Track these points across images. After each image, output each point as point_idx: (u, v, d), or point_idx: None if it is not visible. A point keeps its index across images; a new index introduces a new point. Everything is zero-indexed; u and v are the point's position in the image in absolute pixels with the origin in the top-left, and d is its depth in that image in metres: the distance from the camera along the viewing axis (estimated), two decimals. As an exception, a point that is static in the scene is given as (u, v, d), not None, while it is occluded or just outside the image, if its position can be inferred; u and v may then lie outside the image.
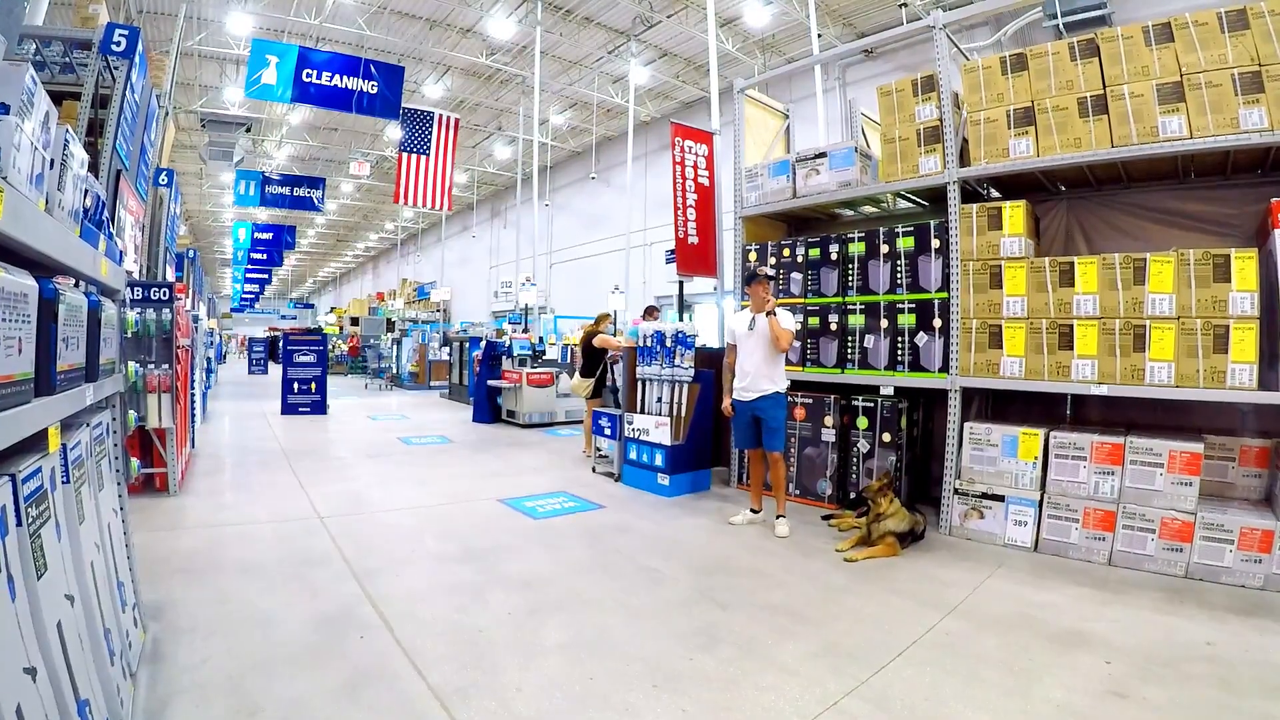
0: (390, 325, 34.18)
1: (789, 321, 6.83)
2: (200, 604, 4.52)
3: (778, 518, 6.72)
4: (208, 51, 21.03)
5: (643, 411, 8.76)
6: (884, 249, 7.30)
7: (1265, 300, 5.21)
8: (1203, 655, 4.05)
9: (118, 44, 6.33)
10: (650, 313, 11.93)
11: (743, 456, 8.37)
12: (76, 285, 2.84)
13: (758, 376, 6.79)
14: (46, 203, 2.18)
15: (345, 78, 14.92)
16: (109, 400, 3.48)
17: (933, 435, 7.79)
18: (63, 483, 2.42)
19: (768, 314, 6.70)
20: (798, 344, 7.76)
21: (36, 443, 2.14)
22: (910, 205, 8.39)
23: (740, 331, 6.94)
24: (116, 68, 6.56)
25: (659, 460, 8.23)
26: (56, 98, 6.36)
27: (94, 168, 5.92)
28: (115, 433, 3.63)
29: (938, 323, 6.86)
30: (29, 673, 1.84)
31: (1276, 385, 5.06)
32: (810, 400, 7.75)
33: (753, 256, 8.55)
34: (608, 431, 9.11)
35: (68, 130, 2.44)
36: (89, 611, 2.56)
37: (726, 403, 7.09)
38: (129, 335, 6.81)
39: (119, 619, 3.11)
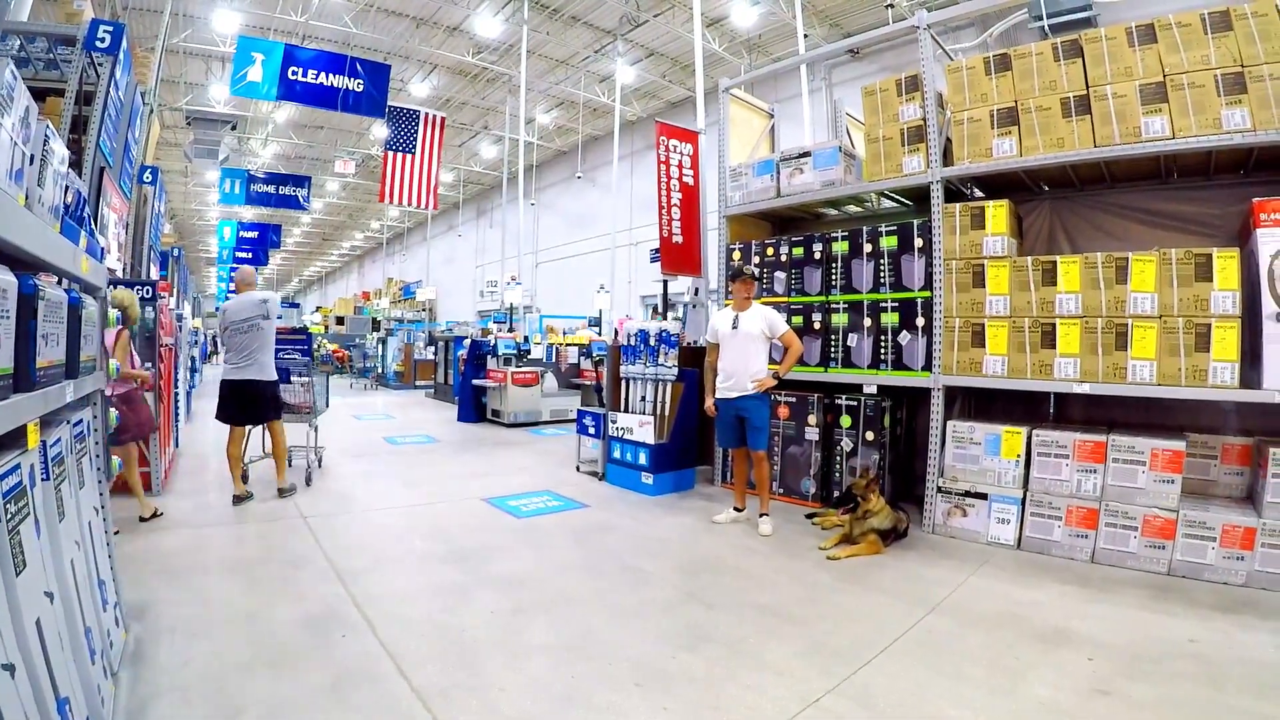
0: (376, 324, 34.02)
1: (781, 321, 6.90)
2: (183, 604, 4.50)
3: (761, 516, 6.73)
4: (193, 48, 20.94)
5: (627, 410, 8.76)
6: (867, 248, 7.32)
7: (1247, 299, 5.24)
8: (1187, 652, 4.07)
9: (102, 40, 6.30)
10: (655, 312, 11.95)
11: (726, 455, 8.37)
12: (59, 282, 2.82)
13: (741, 375, 6.78)
14: (26, 198, 2.17)
15: (331, 76, 14.85)
16: (90, 398, 3.46)
17: (916, 434, 7.80)
18: (42, 480, 2.40)
19: (782, 340, 6.81)
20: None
21: (15, 439, 2.13)
22: (894, 205, 8.42)
23: (724, 330, 6.93)
24: (101, 64, 6.53)
25: (643, 459, 8.24)
26: (40, 94, 6.32)
27: (77, 165, 5.91)
28: (96, 430, 3.61)
29: (921, 321, 6.88)
30: (7, 669, 1.83)
31: (1258, 384, 5.09)
32: (794, 399, 7.76)
33: (737, 255, 8.55)
34: (592, 430, 9.10)
35: (48, 126, 2.43)
36: (69, 609, 2.55)
37: (709, 402, 7.07)
38: (111, 333, 6.76)
39: (100, 618, 3.09)
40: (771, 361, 7.03)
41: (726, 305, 7.27)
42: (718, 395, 6.97)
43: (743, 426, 6.86)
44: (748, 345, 6.79)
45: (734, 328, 6.84)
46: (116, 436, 6.10)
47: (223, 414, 7.47)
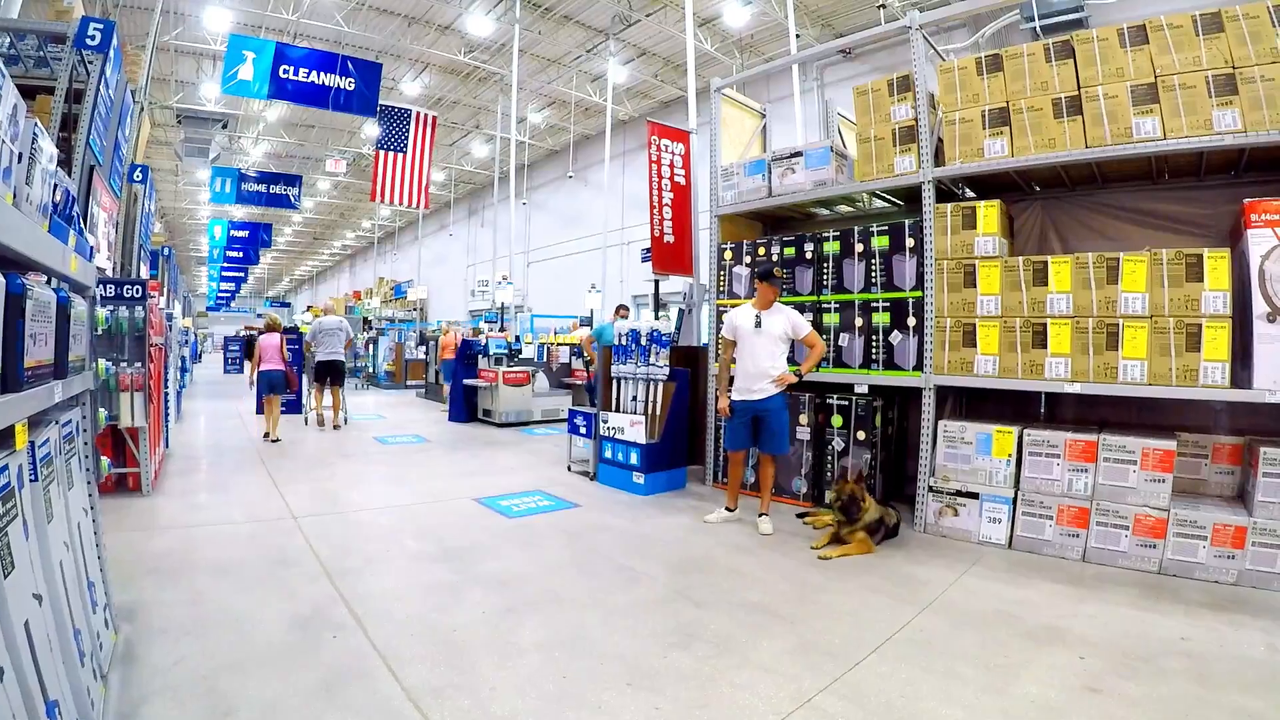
0: (367, 324, 33.97)
1: (804, 321, 6.90)
2: (173, 605, 4.49)
3: (760, 516, 6.72)
4: (184, 46, 20.86)
5: (618, 410, 8.75)
6: (859, 248, 7.32)
7: (1237, 299, 5.26)
8: (1178, 650, 4.08)
9: (92, 38, 6.25)
10: (619, 311, 11.94)
11: (719, 455, 8.37)
12: (48, 282, 2.81)
13: (764, 376, 6.68)
14: (14, 196, 2.15)
15: (322, 74, 14.83)
16: (79, 398, 3.44)
17: (907, 433, 7.82)
18: (30, 480, 2.38)
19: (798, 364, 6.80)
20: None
21: (3, 440, 2.12)
22: (885, 204, 8.42)
23: (745, 328, 6.79)
24: (91, 62, 6.48)
25: (634, 459, 8.23)
26: (30, 92, 6.28)
27: (67, 163, 5.88)
28: (86, 431, 3.59)
29: (912, 321, 6.88)
30: (-5, 673, 1.81)
31: (1249, 383, 5.11)
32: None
33: (729, 255, 8.56)
34: (583, 430, 9.09)
35: (36, 123, 2.41)
36: (58, 612, 2.53)
37: (725, 403, 6.96)
38: (101, 333, 6.74)
39: (89, 620, 3.07)
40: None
41: (743, 303, 7.19)
42: (736, 397, 6.85)
43: (757, 429, 6.81)
44: (772, 346, 6.72)
45: (757, 326, 6.75)
46: (288, 389, 12.56)
47: (318, 379, 13.50)
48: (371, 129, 23.64)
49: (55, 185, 2.78)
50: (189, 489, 7.88)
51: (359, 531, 6.43)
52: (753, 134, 9.96)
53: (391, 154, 18.06)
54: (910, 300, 6.92)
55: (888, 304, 7.09)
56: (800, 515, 7.07)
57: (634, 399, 8.61)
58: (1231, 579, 5.18)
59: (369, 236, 53.48)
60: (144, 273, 11.10)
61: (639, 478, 8.16)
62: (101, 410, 3.96)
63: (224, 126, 23.70)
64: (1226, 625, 4.45)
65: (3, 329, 1.98)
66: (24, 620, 2.09)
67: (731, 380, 6.97)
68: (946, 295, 6.62)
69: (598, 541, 6.30)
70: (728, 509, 7.01)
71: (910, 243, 6.94)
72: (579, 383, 13.91)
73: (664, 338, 8.39)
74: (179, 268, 27.06)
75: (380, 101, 16.43)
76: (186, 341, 22.84)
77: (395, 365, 25.32)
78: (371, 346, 26.95)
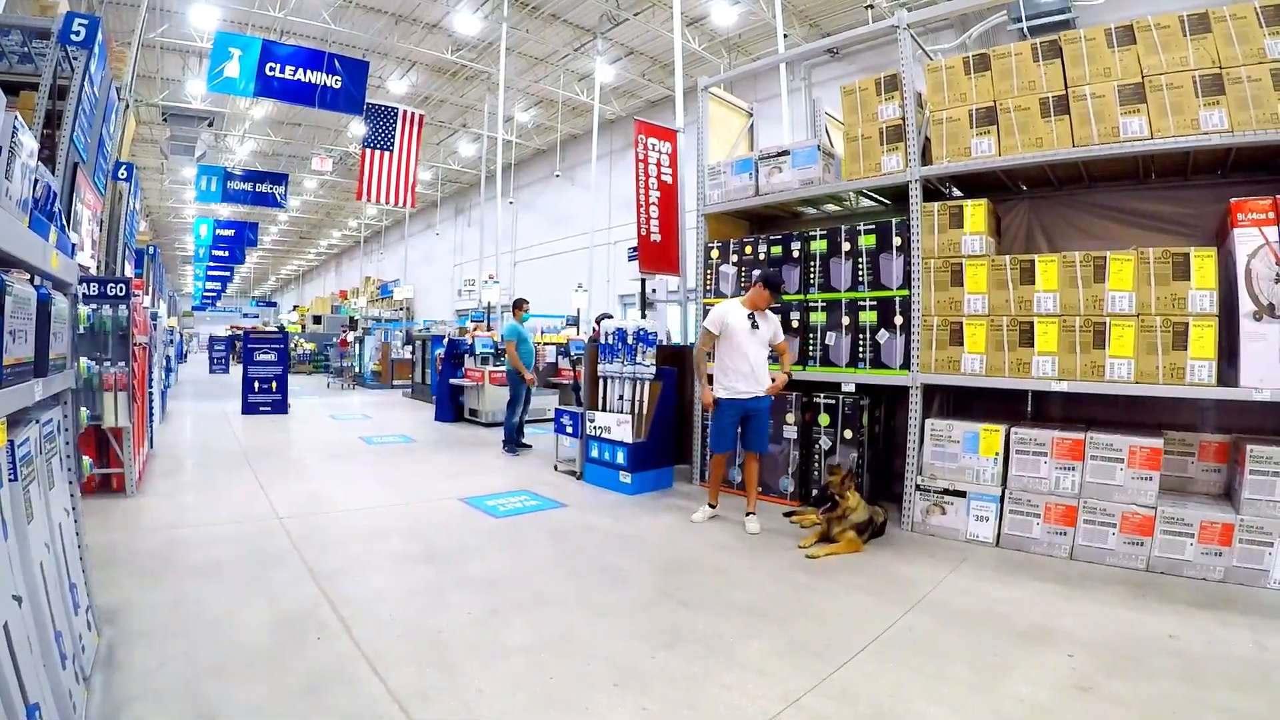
0: (353, 323, 33.82)
1: (780, 327, 7.03)
2: (156, 607, 4.44)
3: (748, 515, 6.73)
4: (170, 43, 20.73)
5: (604, 409, 8.73)
6: (846, 247, 7.32)
7: (1224, 298, 5.28)
8: (1166, 648, 4.09)
9: (77, 34, 6.20)
10: (521, 306, 11.85)
11: (704, 454, 8.35)
12: (30, 279, 2.77)
13: (761, 377, 6.76)
14: (-8, 192, 2.12)
15: (309, 72, 14.77)
16: (60, 397, 3.40)
17: (894, 432, 7.79)
18: (9, 480, 2.35)
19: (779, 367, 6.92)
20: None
21: (-19, 439, 2.09)
22: (872, 203, 8.42)
23: (739, 327, 6.76)
24: (75, 58, 6.42)
25: (621, 458, 8.22)
26: (14, 88, 6.23)
27: (50, 160, 5.82)
28: (67, 430, 3.55)
29: (899, 320, 6.89)
30: (-28, 676, 1.78)
31: (1235, 381, 5.13)
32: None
33: (715, 254, 8.56)
34: (569, 430, 9.07)
35: (16, 117, 2.38)
36: (38, 613, 2.50)
37: (709, 395, 6.94)
38: (83, 331, 6.68)
39: (71, 622, 3.03)
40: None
41: (730, 300, 7.15)
42: (731, 395, 6.80)
43: (744, 428, 6.86)
44: (763, 348, 6.82)
45: (754, 328, 6.76)
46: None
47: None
48: (358, 127, 23.55)
49: (36, 180, 2.74)
50: (173, 490, 7.82)
51: (344, 532, 6.38)
52: (740, 133, 9.95)
53: (378, 153, 18.02)
54: (897, 299, 6.92)
55: (875, 303, 7.09)
56: (787, 514, 7.06)
57: (620, 398, 8.58)
58: (1219, 576, 5.19)
59: (355, 235, 53.33)
60: (128, 271, 11.04)
61: (626, 477, 8.14)
62: (84, 410, 3.92)
63: (210, 124, 23.54)
64: (1214, 623, 4.46)
65: (-19, 326, 1.95)
66: (3, 622, 2.07)
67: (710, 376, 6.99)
68: (933, 294, 6.62)
69: (584, 541, 6.28)
70: (710, 506, 7.01)
71: (897, 241, 6.94)
72: (565, 382, 13.89)
73: (651, 337, 8.37)
74: (164, 266, 26.92)
75: (367, 100, 16.37)
76: (171, 341, 22.70)
77: (382, 365, 25.25)
78: (357, 346, 26.83)
